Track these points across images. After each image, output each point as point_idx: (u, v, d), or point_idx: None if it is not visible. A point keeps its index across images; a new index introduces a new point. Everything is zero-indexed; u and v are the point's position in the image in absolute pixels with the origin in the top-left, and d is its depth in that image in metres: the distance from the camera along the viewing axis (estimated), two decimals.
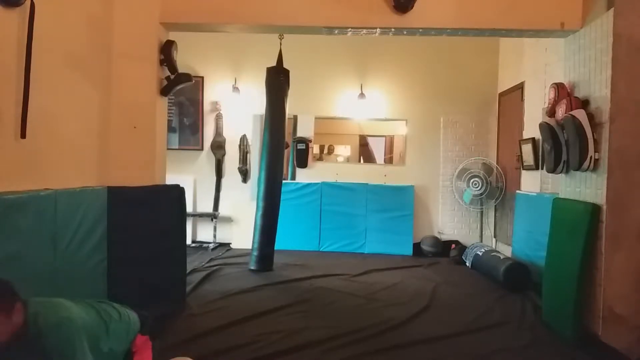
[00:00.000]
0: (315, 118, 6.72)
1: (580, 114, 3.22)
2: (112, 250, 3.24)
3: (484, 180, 6.10)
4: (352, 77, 6.67)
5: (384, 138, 7.63)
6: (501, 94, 6.37)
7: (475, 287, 4.69)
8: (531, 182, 5.22)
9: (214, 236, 6.55)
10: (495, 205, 6.32)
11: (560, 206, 3.58)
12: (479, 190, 6.11)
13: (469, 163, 6.34)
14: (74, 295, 2.80)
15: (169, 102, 4.80)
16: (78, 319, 1.79)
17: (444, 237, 6.50)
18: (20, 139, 2.45)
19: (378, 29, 3.71)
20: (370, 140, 7.66)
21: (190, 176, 6.60)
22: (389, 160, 7.37)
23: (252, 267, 5.14)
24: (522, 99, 5.55)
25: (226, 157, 6.72)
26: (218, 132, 6.67)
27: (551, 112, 3.62)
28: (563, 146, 3.45)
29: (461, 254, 5.78)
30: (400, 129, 6.85)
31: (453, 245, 6.23)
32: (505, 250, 5.56)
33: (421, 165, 6.64)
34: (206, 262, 5.42)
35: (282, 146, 5.33)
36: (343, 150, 7.75)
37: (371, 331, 3.33)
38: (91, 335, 1.83)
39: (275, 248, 5.27)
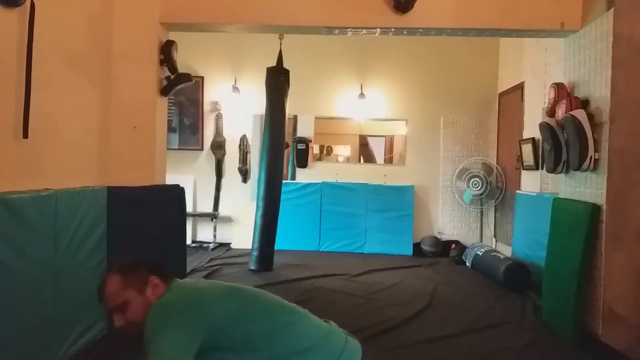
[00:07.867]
0: (315, 118, 6.72)
1: (580, 114, 3.22)
2: (112, 250, 3.23)
3: (484, 180, 6.10)
4: (352, 77, 6.67)
5: (384, 138, 7.61)
6: (501, 94, 6.37)
7: (475, 287, 4.69)
8: (531, 182, 5.22)
9: (214, 236, 6.55)
10: (495, 205, 6.32)
11: (560, 206, 3.58)
12: (479, 190, 6.11)
13: (469, 163, 6.34)
14: (74, 295, 2.82)
15: (169, 102, 4.80)
16: None
17: (444, 237, 6.50)
18: (21, 140, 2.44)
19: (378, 29, 3.71)
20: (370, 140, 7.64)
21: (190, 176, 6.60)
22: (389, 160, 7.36)
23: (252, 267, 5.15)
24: (522, 99, 5.55)
25: (226, 157, 6.72)
26: (218, 132, 6.67)
27: (551, 112, 3.62)
28: (563, 146, 3.45)
29: (461, 254, 5.78)
30: (400, 129, 6.85)
31: (453, 245, 6.23)
32: (505, 250, 5.56)
33: (421, 165, 6.64)
34: (206, 262, 5.43)
35: (282, 146, 5.34)
36: (343, 150, 7.74)
37: (371, 331, 3.33)
38: None
39: (275, 248, 5.27)
